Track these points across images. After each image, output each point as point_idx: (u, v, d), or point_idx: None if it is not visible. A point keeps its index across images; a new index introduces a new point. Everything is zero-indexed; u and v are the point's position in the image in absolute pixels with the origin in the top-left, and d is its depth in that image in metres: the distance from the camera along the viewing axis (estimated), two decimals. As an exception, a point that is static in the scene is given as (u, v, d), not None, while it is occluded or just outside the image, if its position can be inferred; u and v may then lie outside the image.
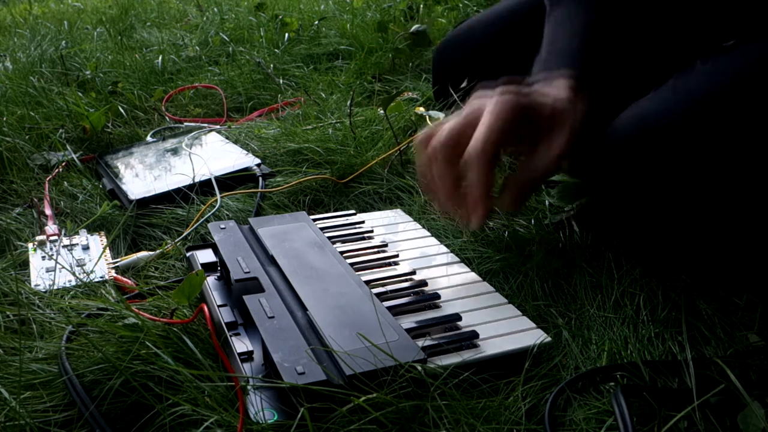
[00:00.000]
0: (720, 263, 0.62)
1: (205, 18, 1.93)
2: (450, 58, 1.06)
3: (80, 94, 1.26)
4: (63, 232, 0.77)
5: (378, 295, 0.59)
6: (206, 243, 0.72)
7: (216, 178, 0.86)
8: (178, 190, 0.84)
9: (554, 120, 0.63)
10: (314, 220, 0.75)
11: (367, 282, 0.61)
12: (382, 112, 0.99)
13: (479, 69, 1.00)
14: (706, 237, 0.60)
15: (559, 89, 0.66)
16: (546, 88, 0.66)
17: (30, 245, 0.74)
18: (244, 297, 0.56)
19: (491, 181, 0.62)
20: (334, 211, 0.83)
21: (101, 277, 0.68)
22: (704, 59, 0.62)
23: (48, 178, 0.91)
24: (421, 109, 1.03)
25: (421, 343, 0.52)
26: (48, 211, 0.81)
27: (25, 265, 0.71)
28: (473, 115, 0.63)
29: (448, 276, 0.64)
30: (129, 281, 0.66)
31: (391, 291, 0.60)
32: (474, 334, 0.54)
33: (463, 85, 0.97)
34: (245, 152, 0.95)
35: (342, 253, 0.67)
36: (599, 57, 0.69)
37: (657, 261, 0.64)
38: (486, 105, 0.63)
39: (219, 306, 0.59)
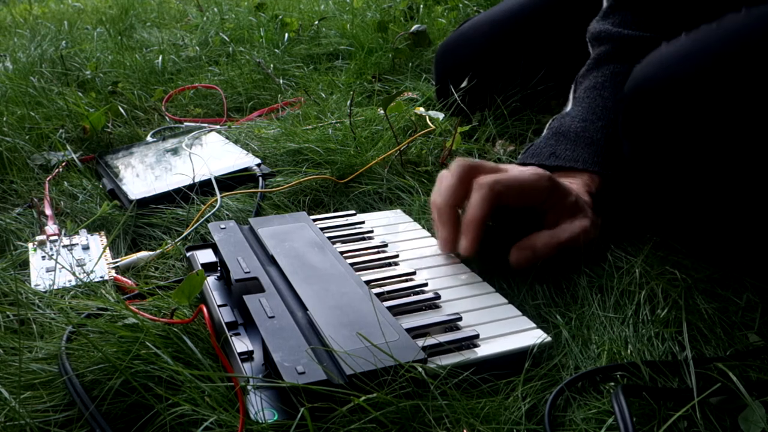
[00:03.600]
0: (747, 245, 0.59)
1: (205, 18, 1.93)
2: (453, 57, 1.06)
3: (80, 94, 1.26)
4: (63, 232, 0.77)
5: (378, 295, 0.59)
6: (206, 243, 0.72)
7: (216, 178, 0.86)
8: (178, 190, 0.84)
9: (577, 209, 0.66)
10: (314, 220, 0.75)
11: (367, 282, 0.61)
12: (382, 112, 0.99)
13: (482, 69, 1.00)
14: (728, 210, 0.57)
15: (580, 191, 0.69)
16: (570, 184, 0.69)
17: (30, 245, 0.74)
18: (245, 297, 0.56)
19: (489, 212, 0.63)
20: (334, 211, 0.83)
21: (101, 277, 0.68)
22: (735, 11, 0.58)
23: (48, 178, 0.91)
24: (421, 109, 1.03)
25: (421, 342, 0.52)
26: (48, 211, 0.81)
27: (25, 265, 0.71)
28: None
29: (448, 276, 0.64)
30: (129, 281, 0.66)
31: (391, 291, 0.60)
32: (474, 334, 0.54)
33: (464, 84, 0.98)
34: (245, 152, 0.95)
35: (342, 253, 0.67)
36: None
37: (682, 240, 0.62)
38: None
39: (219, 306, 0.59)
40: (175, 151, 0.99)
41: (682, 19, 0.73)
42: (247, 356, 0.53)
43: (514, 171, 0.66)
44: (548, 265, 0.65)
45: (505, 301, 0.60)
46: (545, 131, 0.77)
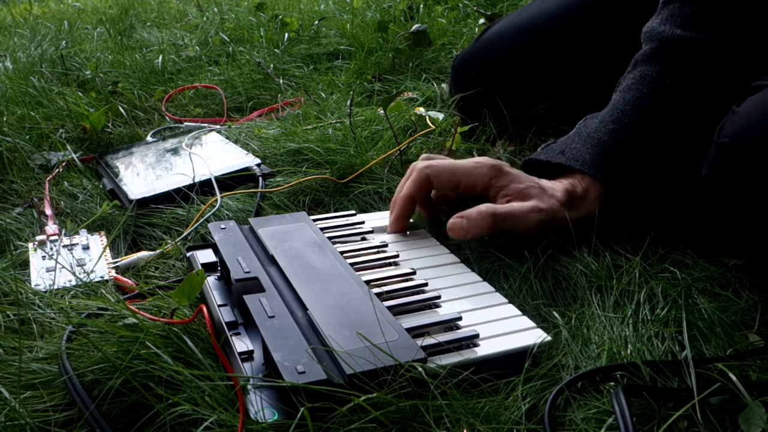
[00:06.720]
0: None
1: (205, 18, 1.93)
2: (470, 69, 1.02)
3: (80, 94, 1.26)
4: (63, 231, 0.77)
5: (378, 294, 0.59)
6: (206, 243, 0.72)
7: (216, 178, 0.86)
8: (178, 190, 0.84)
9: (528, 195, 0.67)
10: (314, 220, 0.75)
11: (367, 282, 0.61)
12: (382, 112, 0.99)
13: (500, 84, 0.98)
14: None
15: (557, 187, 0.69)
16: (555, 182, 0.70)
17: (30, 245, 0.74)
18: (245, 297, 0.56)
19: (416, 192, 0.70)
20: (334, 211, 0.83)
21: (101, 277, 0.68)
22: None
23: (48, 178, 0.91)
24: (421, 109, 1.03)
25: (421, 342, 0.52)
26: (48, 211, 0.81)
27: (25, 265, 0.71)
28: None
29: (448, 276, 0.64)
30: (129, 281, 0.66)
31: (391, 291, 0.60)
32: (474, 334, 0.54)
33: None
34: (245, 152, 0.95)
35: (342, 253, 0.67)
36: (644, 157, 0.71)
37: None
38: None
39: (219, 306, 0.59)
40: (175, 151, 0.99)
41: (728, 16, 0.70)
42: (247, 356, 0.53)
43: (457, 161, 0.71)
44: (494, 239, 0.67)
45: (505, 300, 0.60)
46: (574, 129, 0.76)
